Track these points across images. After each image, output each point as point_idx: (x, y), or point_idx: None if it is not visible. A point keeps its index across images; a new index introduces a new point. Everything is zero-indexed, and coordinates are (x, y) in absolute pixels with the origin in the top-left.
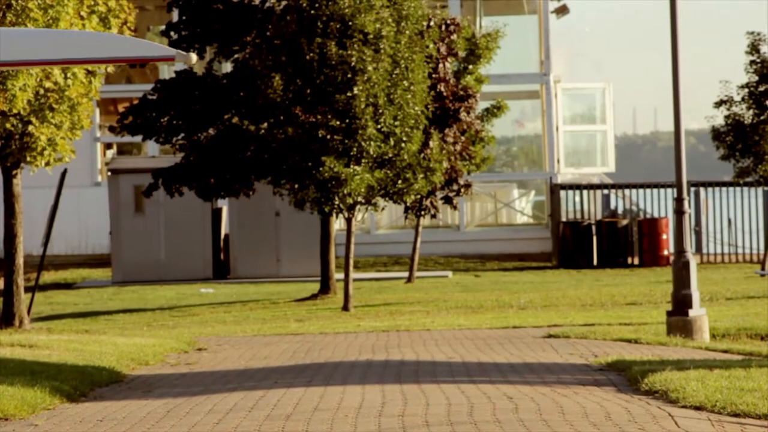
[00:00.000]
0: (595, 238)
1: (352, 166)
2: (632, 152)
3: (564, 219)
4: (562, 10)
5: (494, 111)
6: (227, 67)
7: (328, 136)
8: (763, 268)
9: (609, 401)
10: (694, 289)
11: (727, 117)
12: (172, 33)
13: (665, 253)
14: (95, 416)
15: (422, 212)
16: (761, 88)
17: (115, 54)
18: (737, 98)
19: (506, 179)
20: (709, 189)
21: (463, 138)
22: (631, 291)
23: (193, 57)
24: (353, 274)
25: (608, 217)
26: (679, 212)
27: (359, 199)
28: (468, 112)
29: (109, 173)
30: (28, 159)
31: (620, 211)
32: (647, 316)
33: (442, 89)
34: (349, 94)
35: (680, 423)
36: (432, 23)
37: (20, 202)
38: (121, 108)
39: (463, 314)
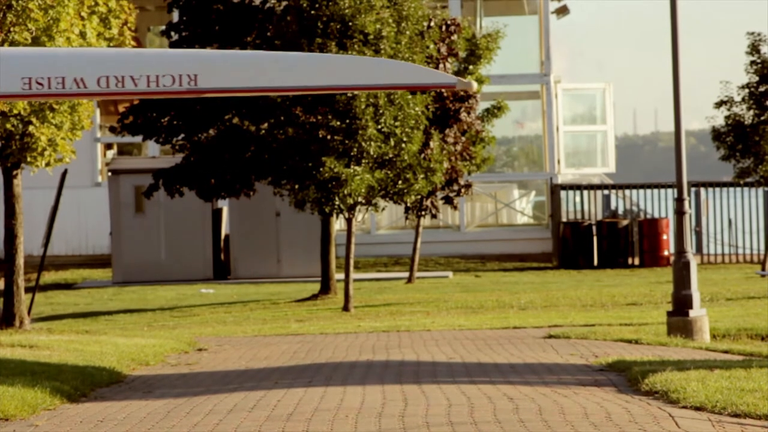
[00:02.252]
0: (595, 239)
1: (352, 167)
2: (633, 153)
3: (564, 219)
4: (563, 11)
5: (495, 111)
6: None
7: (329, 137)
8: (763, 269)
9: (609, 401)
10: (695, 289)
11: (727, 117)
12: (172, 33)
13: (666, 253)
14: (96, 416)
15: (422, 212)
16: (761, 89)
17: (394, 81)
18: (737, 99)
19: (507, 179)
20: (710, 189)
21: (463, 138)
22: (631, 291)
23: (474, 85)
24: (354, 275)
25: (609, 218)
26: (679, 213)
27: (359, 199)
28: (468, 113)
29: (110, 173)
30: (29, 159)
31: (621, 211)
32: (648, 316)
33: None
34: (349, 94)
35: (681, 423)
36: (432, 24)
37: (20, 202)
38: (121, 108)
39: (464, 315)
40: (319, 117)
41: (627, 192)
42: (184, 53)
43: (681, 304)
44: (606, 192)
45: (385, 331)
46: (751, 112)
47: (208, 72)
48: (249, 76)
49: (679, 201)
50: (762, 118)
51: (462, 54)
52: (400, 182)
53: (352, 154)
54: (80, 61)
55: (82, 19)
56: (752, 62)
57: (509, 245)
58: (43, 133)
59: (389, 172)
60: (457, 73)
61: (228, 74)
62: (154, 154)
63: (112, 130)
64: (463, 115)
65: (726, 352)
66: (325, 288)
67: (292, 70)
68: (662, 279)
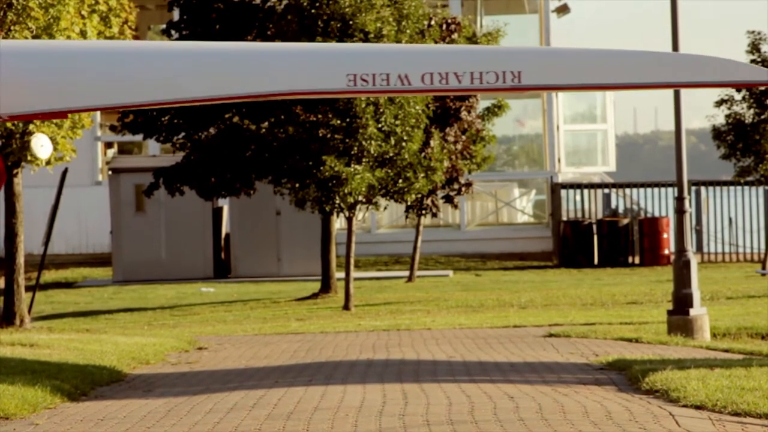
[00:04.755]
0: (595, 238)
1: (352, 166)
2: (633, 151)
3: (565, 218)
4: (563, 10)
5: (495, 110)
6: None
7: (329, 135)
8: (763, 268)
9: (610, 400)
10: (695, 288)
11: (727, 116)
12: (172, 32)
13: (666, 252)
14: (96, 415)
15: (423, 211)
16: (762, 87)
17: (707, 78)
18: (738, 97)
19: (507, 178)
20: (710, 188)
21: (463, 137)
22: (631, 290)
23: None
24: (354, 273)
25: (609, 217)
26: (679, 211)
27: (360, 198)
28: (469, 111)
29: (110, 172)
30: (29, 158)
31: (621, 210)
32: (648, 315)
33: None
34: None
35: (681, 422)
36: (433, 22)
37: (21, 201)
38: None
39: (464, 313)
40: (320, 116)
41: (627, 191)
42: (508, 50)
43: (681, 302)
44: (606, 191)
45: (385, 329)
46: (752, 110)
47: (531, 68)
48: (575, 73)
49: (679, 200)
50: (762, 116)
51: None
52: (400, 181)
53: (352, 152)
54: (405, 58)
55: (83, 17)
56: (752, 61)
57: (509, 244)
58: (43, 132)
59: (389, 170)
60: None
61: (553, 71)
62: (154, 152)
63: (112, 128)
64: (463, 114)
65: (726, 350)
66: (326, 287)
67: (614, 67)
68: (662, 278)
